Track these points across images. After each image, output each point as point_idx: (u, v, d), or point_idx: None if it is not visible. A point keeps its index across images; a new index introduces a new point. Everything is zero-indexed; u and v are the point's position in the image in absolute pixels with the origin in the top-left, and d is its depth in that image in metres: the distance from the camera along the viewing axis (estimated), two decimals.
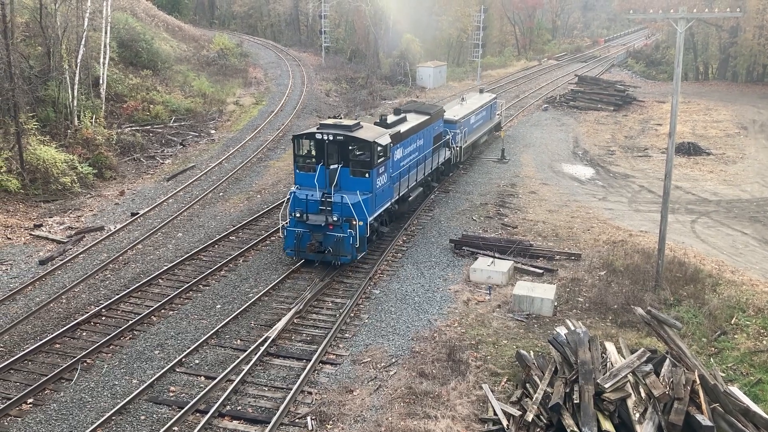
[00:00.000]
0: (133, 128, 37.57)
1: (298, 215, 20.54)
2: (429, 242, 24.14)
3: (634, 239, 24.05)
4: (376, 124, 23.93)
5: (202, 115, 43.59)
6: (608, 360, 14.20)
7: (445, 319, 18.48)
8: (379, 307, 19.23)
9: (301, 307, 18.58)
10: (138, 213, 26.59)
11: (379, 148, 21.05)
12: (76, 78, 33.45)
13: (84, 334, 17.47)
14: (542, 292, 19.06)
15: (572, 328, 15.52)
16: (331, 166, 20.70)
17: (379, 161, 21.17)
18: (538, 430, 12.99)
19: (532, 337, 17.40)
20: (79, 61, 33.62)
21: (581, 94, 54.20)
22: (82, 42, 34.02)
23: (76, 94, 33.42)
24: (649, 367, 13.69)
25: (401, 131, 23.90)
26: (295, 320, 18.13)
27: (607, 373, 13.35)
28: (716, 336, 17.33)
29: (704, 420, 12.48)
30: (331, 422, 13.96)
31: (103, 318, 18.32)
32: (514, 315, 18.68)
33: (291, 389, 14.90)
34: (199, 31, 69.71)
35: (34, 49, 35.31)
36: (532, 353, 15.76)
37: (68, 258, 22.21)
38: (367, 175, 20.89)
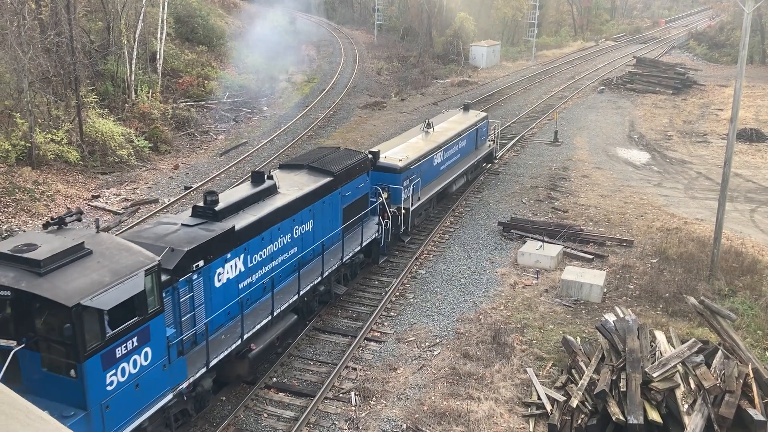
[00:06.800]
0: (188, 103, 38.28)
1: None
2: (477, 224, 23.97)
3: (689, 227, 23.41)
4: (195, 211, 13.40)
5: (255, 91, 44.09)
6: (657, 349, 13.94)
7: (490, 301, 18.40)
8: (424, 287, 19.27)
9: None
10: (191, 187, 27.16)
11: (98, 317, 9.78)
12: (134, 53, 34.21)
13: None
14: (591, 278, 18.76)
15: (621, 315, 15.28)
16: None
17: (110, 336, 9.98)
18: (582, 416, 12.87)
19: (579, 323, 17.19)
20: (137, 36, 34.37)
21: (639, 77, 52.66)
22: (141, 17, 34.73)
23: (133, 68, 34.19)
24: (699, 358, 13.39)
25: (238, 228, 13.22)
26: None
27: (656, 362, 13.12)
28: None
29: (756, 414, 12.17)
30: (374, 398, 14.12)
31: None
32: (561, 300, 18.47)
33: (336, 364, 15.13)
34: (253, 8, 70.15)
35: (95, 24, 36.24)
36: (578, 339, 15.59)
37: (124, 229, 22.87)
38: (73, 372, 9.72)
